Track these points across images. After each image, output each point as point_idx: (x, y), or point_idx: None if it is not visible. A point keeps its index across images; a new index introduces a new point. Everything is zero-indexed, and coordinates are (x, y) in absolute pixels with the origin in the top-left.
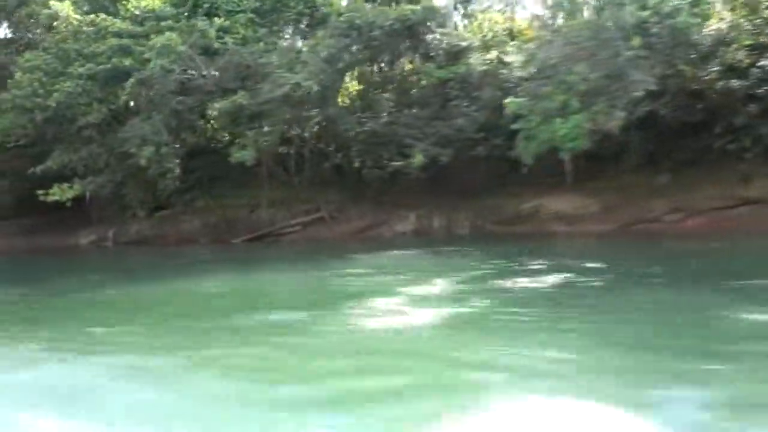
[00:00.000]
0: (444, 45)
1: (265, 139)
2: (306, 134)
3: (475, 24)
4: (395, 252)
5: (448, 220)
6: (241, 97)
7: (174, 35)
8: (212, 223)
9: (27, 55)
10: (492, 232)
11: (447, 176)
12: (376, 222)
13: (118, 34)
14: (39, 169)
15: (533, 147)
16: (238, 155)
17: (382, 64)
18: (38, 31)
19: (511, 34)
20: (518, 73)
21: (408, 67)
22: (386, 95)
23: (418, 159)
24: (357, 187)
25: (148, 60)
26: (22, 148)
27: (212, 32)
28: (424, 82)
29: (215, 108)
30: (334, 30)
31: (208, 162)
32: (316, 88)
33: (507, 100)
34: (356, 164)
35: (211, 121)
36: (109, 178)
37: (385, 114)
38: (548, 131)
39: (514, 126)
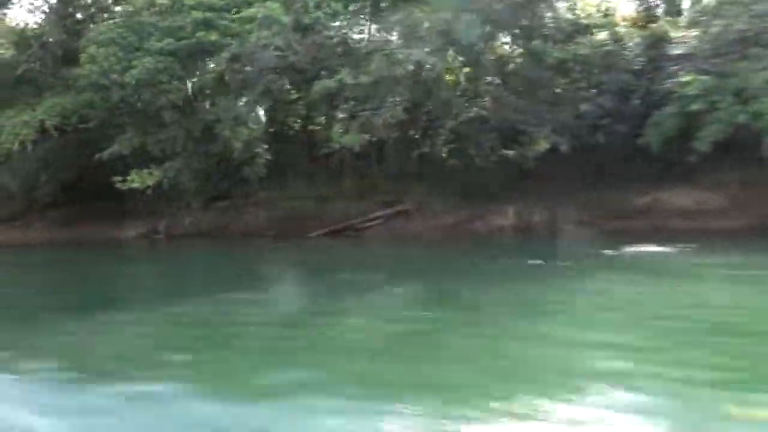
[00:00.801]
0: (563, 24)
1: (375, 121)
2: (391, 119)
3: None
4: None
5: (551, 214)
6: (345, 76)
7: (276, 5)
8: (279, 216)
9: (100, 27)
10: (610, 229)
11: (548, 166)
12: (470, 216)
13: (197, 7)
14: (106, 153)
15: (713, 130)
16: (343, 140)
17: (497, 43)
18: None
19: (606, 16)
20: (677, 51)
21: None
22: (492, 78)
23: (540, 147)
24: (442, 178)
25: (235, 34)
26: (70, 133)
27: (311, 3)
28: (538, 64)
29: (314, 88)
30: (452, 3)
31: (274, 149)
32: (440, 65)
33: (686, 78)
34: (444, 153)
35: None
36: (186, 164)
37: (487, 99)
38: (746, 111)
39: (694, 107)
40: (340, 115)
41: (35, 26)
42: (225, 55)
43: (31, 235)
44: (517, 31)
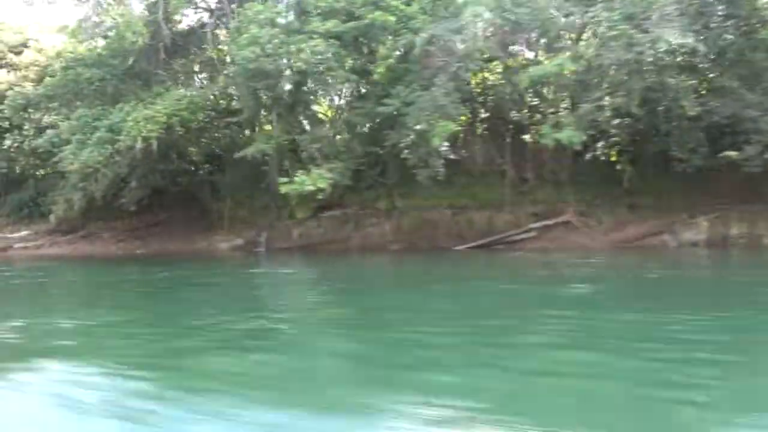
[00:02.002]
0: None
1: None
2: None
3: None
4: None
5: (752, 227)
6: (567, 60)
7: None
8: (405, 227)
9: (254, 5)
10: None
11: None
12: (652, 229)
13: None
14: (249, 152)
15: None
16: (559, 136)
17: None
18: None
19: None
20: None
21: None
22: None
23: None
24: (608, 185)
25: (410, 17)
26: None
27: None
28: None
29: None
30: None
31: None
32: (702, 49)
33: None
34: (614, 155)
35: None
36: (345, 166)
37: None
38: None
39: None
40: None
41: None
42: (423, 35)
43: (105, 248)
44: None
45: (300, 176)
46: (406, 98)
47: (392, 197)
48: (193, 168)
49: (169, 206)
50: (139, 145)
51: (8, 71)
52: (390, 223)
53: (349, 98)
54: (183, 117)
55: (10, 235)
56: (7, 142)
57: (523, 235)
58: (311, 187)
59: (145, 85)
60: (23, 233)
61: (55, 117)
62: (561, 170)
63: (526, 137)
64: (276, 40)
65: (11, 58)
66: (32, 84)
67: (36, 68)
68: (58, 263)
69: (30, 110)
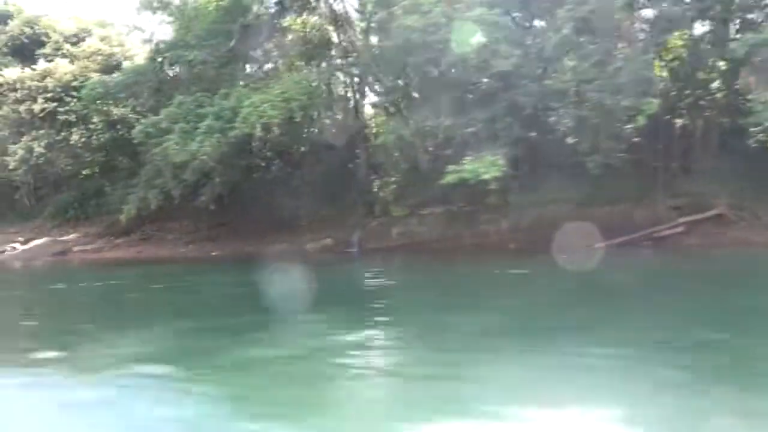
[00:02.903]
0: None
1: None
2: (703, 101)
3: None
4: None
5: None
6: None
7: None
8: (524, 224)
9: None
10: None
11: None
12: None
13: None
14: (380, 140)
15: None
16: None
17: None
18: None
19: None
20: None
21: None
22: None
23: None
24: (760, 175)
25: None
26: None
27: None
28: None
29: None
30: None
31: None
32: None
33: None
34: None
35: None
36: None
37: None
38: None
39: None
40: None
41: None
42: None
43: (173, 251)
44: None
45: (470, 163)
46: (583, 73)
47: (506, 191)
48: (263, 164)
49: (231, 205)
50: (258, 132)
51: (70, 61)
52: (507, 220)
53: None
54: (302, 102)
55: (62, 238)
56: (75, 137)
57: (670, 231)
58: (486, 176)
59: (244, 68)
60: (72, 236)
61: (124, 108)
62: (705, 159)
63: (678, 120)
64: (437, 9)
65: (68, 48)
66: (97, 73)
67: (100, 57)
68: (136, 268)
69: (99, 102)
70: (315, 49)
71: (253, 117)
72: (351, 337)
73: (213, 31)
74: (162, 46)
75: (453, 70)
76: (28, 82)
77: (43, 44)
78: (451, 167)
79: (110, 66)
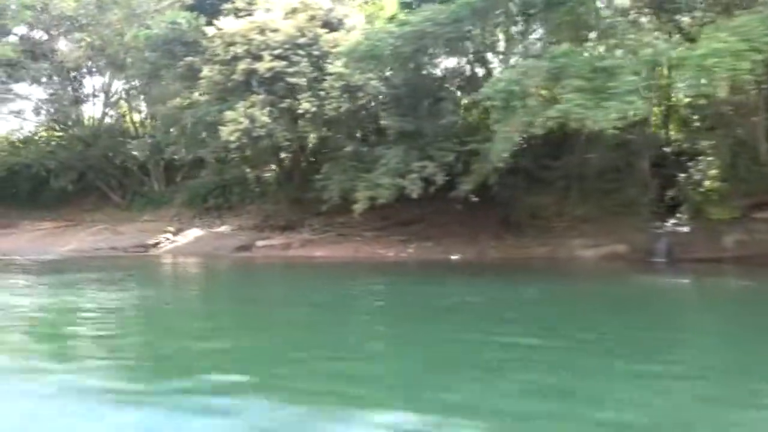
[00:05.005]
0: None
1: None
2: None
3: None
4: None
5: None
6: None
7: None
8: None
9: None
10: None
11: None
12: None
13: None
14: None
15: None
16: None
17: None
18: None
19: None
20: None
21: None
22: None
23: None
24: None
25: None
26: None
27: None
28: None
29: None
30: None
31: None
32: None
33: None
34: None
35: None
36: None
37: None
38: None
39: None
40: None
41: None
42: None
43: (387, 251)
44: None
45: None
46: None
47: None
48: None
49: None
50: (720, 93)
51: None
52: None
53: None
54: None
55: (215, 230)
56: (306, 105)
57: None
58: None
59: None
60: (224, 228)
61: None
62: None
63: None
64: None
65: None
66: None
67: (321, 12)
68: (375, 270)
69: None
70: None
71: (719, 70)
72: None
73: None
74: None
75: None
76: (253, 35)
77: None
78: None
79: (331, 22)
